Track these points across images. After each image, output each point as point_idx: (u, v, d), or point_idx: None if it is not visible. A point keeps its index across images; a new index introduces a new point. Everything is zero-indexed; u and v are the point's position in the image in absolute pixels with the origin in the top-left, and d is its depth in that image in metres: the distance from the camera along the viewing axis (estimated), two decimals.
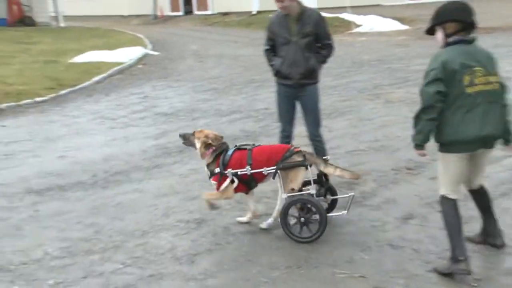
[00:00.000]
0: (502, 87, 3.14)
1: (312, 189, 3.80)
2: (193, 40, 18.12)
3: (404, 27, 17.74)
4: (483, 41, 3.82)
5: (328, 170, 3.85)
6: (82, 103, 9.06)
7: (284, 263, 3.45)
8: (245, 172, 3.79)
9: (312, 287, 3.18)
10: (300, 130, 4.90)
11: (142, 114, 7.99)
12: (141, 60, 13.65)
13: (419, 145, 3.16)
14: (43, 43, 16.31)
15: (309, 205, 3.71)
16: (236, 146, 4.03)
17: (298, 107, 4.54)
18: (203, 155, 3.99)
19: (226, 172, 3.82)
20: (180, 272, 3.43)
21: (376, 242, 3.67)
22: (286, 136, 4.57)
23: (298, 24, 4.27)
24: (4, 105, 8.55)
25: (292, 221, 3.77)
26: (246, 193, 4.01)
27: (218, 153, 3.93)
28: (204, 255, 3.64)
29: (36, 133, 7.13)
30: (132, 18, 29.71)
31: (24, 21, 22.07)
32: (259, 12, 22.89)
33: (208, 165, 3.96)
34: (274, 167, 3.75)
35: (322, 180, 4.06)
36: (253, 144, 4.00)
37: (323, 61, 4.45)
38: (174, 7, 29.23)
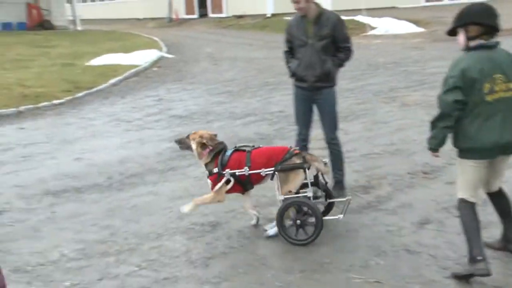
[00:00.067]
0: None
1: (309, 192, 3.80)
2: (207, 43, 18.20)
3: (420, 29, 17.57)
4: (507, 44, 3.75)
5: (326, 170, 3.91)
6: (98, 105, 9.16)
7: (299, 267, 3.44)
8: (243, 173, 3.81)
9: None
10: (316, 133, 4.88)
11: (157, 117, 8.05)
12: (156, 62, 13.76)
13: (434, 149, 3.17)
14: (61, 46, 16.54)
15: (305, 208, 3.72)
16: (235, 147, 4.04)
17: (315, 110, 4.52)
18: (200, 155, 4.01)
19: (224, 172, 3.84)
20: (195, 275, 3.43)
21: (391, 247, 3.63)
22: (303, 139, 4.55)
23: (315, 26, 4.25)
24: (23, 108, 8.69)
25: (288, 223, 3.78)
26: (242, 193, 4.03)
27: (216, 152, 3.95)
28: (219, 258, 3.64)
29: (54, 135, 7.23)
30: (148, 21, 29.97)
31: (43, 25, 22.43)
32: (273, 15, 22.92)
33: (206, 165, 3.99)
34: (272, 169, 3.76)
35: (319, 182, 4.02)
36: (253, 146, 4.01)
37: (340, 64, 4.39)
38: (189, 10, 29.43)
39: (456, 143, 3.13)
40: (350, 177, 4.78)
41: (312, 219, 3.70)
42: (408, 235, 3.80)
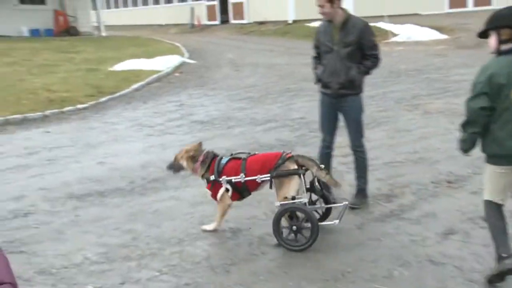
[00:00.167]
0: None
1: (304, 198, 3.79)
2: (229, 48, 18.29)
3: (443, 36, 17.34)
4: None
5: (320, 174, 3.85)
6: (121, 110, 9.29)
7: (321, 276, 3.41)
8: (239, 180, 3.82)
9: None
10: (340, 140, 4.85)
11: (179, 122, 8.11)
12: (178, 68, 13.89)
13: (466, 150, 3.15)
14: (86, 52, 16.84)
15: (301, 214, 3.72)
16: (231, 154, 4.05)
17: (341, 117, 4.48)
18: (194, 170, 4.08)
19: (220, 179, 3.87)
20: (216, 281, 3.43)
21: (415, 258, 3.57)
22: (327, 146, 4.52)
23: (341, 32, 4.20)
24: (48, 112, 8.87)
25: (285, 229, 3.79)
26: (239, 200, 4.07)
27: (209, 161, 3.98)
28: (240, 265, 3.63)
29: (78, 139, 7.35)
30: (170, 27, 30.32)
31: (69, 31, 22.86)
32: (295, 21, 22.92)
33: (203, 176, 4.04)
34: (267, 175, 3.77)
35: (315, 188, 3.99)
36: (249, 153, 4.01)
37: (366, 72, 4.31)
38: (211, 16, 29.66)
39: (484, 149, 3.10)
40: (372, 185, 4.73)
41: (308, 225, 3.70)
42: (432, 246, 3.73)
